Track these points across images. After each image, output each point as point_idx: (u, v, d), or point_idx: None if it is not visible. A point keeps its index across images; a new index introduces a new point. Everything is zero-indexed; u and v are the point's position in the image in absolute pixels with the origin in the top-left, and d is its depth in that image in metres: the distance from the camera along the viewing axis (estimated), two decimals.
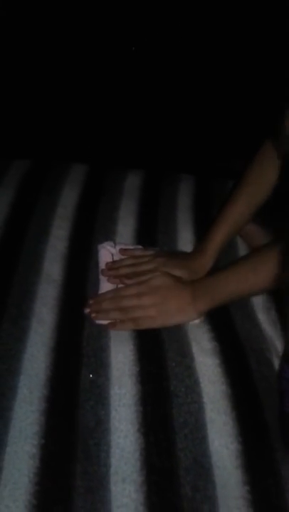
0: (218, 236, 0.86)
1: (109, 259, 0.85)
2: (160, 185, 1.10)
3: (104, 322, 0.75)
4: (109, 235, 0.92)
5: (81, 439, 0.60)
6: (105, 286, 0.81)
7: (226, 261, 0.90)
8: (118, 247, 0.87)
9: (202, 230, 0.97)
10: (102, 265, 0.85)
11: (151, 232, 0.94)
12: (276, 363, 0.74)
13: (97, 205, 1.00)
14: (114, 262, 0.84)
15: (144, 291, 0.77)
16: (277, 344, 0.78)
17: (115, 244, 0.88)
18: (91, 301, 0.77)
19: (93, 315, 0.75)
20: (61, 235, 0.90)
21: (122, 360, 0.70)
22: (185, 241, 0.94)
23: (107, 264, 0.84)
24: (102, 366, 0.69)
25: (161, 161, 1.31)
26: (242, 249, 0.94)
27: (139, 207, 1.01)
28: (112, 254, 0.87)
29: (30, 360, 0.67)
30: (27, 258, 0.84)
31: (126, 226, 0.95)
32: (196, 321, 0.77)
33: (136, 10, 1.43)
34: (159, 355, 0.72)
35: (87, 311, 0.76)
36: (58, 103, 1.50)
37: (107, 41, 1.48)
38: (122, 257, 0.86)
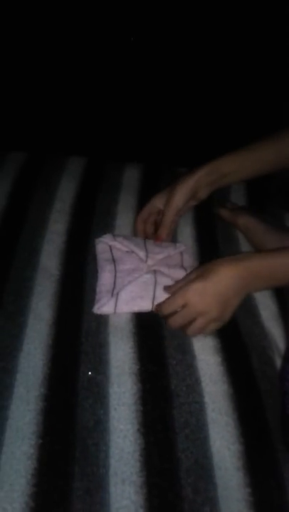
0: (232, 155, 0.86)
1: (108, 254, 0.84)
2: (159, 178, 1.08)
3: None
4: (108, 229, 0.90)
5: (79, 439, 0.59)
6: (104, 277, 0.79)
7: (229, 255, 0.89)
8: (117, 240, 0.85)
9: (202, 223, 0.96)
10: (100, 259, 0.83)
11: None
12: (278, 361, 0.73)
13: (95, 199, 0.98)
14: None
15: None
16: (279, 342, 0.76)
17: (114, 237, 0.86)
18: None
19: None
20: (59, 229, 0.88)
21: (121, 358, 0.68)
22: (185, 235, 0.93)
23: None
24: (100, 363, 0.67)
25: (160, 154, 1.29)
26: (243, 245, 0.93)
27: (138, 201, 0.99)
28: (110, 248, 0.85)
29: (27, 358, 0.65)
30: (24, 252, 0.82)
31: (124, 220, 0.93)
32: None
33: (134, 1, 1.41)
34: (159, 352, 0.70)
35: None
36: (55, 95, 1.48)
37: (104, 32, 1.46)
38: (121, 249, 0.85)
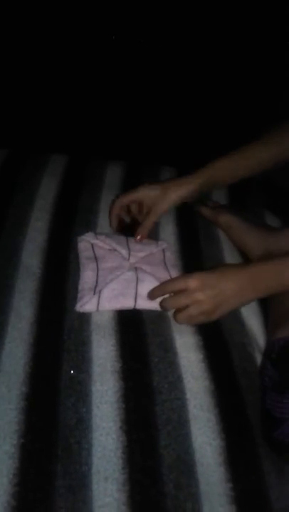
0: (226, 157, 0.87)
1: (90, 252, 0.84)
2: (141, 176, 1.08)
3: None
4: (90, 227, 0.90)
5: (62, 437, 0.59)
6: (86, 275, 0.79)
7: (210, 253, 0.90)
8: (99, 239, 0.85)
9: (183, 221, 0.96)
10: (82, 257, 0.83)
11: (132, 223, 0.92)
12: (258, 358, 0.74)
13: (77, 197, 0.97)
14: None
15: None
16: (259, 339, 0.77)
17: (96, 235, 0.86)
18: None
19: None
20: (40, 227, 0.88)
21: (103, 356, 0.68)
22: (167, 233, 0.93)
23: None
24: (83, 361, 0.67)
25: (142, 152, 1.29)
26: (224, 243, 0.93)
27: None
28: (92, 246, 0.85)
29: (8, 357, 0.65)
30: (5, 251, 0.82)
31: (106, 218, 0.93)
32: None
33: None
34: (141, 350, 0.70)
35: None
36: (37, 94, 1.47)
37: (90, 33, 1.46)
38: (103, 247, 0.85)
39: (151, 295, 0.75)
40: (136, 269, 0.80)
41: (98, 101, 1.48)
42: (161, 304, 0.74)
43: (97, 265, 0.81)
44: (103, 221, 0.93)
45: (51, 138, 1.29)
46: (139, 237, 0.86)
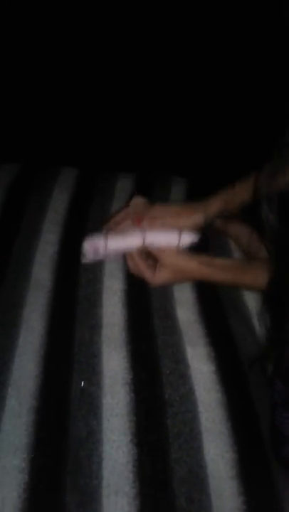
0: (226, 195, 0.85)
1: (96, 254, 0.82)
2: (151, 188, 1.08)
3: None
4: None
5: (72, 450, 0.58)
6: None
7: None
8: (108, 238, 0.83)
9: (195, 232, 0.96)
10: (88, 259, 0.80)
11: None
12: (270, 370, 0.73)
13: (88, 209, 0.98)
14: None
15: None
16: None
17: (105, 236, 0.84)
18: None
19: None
20: (51, 240, 0.88)
21: (114, 368, 0.68)
22: None
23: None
24: (93, 373, 0.67)
25: (152, 163, 1.29)
26: (235, 252, 0.93)
27: None
28: (98, 248, 0.83)
29: (19, 370, 0.65)
30: (16, 263, 0.82)
31: None
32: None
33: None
34: (152, 361, 0.70)
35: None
36: (47, 108, 1.48)
37: (95, 43, 1.47)
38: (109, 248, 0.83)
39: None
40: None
41: (108, 114, 1.49)
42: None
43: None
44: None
45: (62, 151, 1.30)
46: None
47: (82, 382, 0.66)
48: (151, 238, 0.75)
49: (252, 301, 0.83)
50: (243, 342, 0.76)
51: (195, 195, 1.07)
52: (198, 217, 0.84)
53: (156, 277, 0.75)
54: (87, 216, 0.96)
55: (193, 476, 0.58)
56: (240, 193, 0.85)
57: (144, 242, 0.74)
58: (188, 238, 0.79)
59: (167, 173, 1.16)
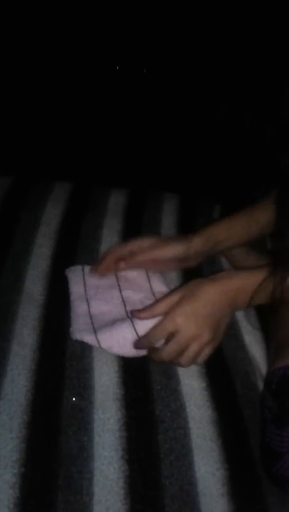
0: (226, 222, 0.83)
1: (81, 286, 0.82)
2: (144, 203, 1.09)
3: None
4: (93, 254, 0.91)
5: (63, 466, 0.58)
6: (79, 310, 0.77)
7: None
8: (86, 270, 0.84)
9: None
10: (73, 292, 0.81)
11: None
12: (261, 386, 0.74)
13: (81, 224, 0.98)
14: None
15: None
16: (262, 367, 0.77)
17: (82, 268, 0.85)
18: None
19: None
20: (44, 254, 0.89)
21: (106, 383, 0.68)
22: None
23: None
24: (85, 389, 0.67)
25: (145, 179, 1.30)
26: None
27: (123, 225, 1.00)
28: (84, 278, 0.83)
29: (10, 385, 0.65)
30: (8, 277, 0.82)
31: (109, 245, 0.94)
32: None
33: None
34: (143, 377, 0.70)
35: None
36: (41, 122, 1.49)
37: (94, 63, 1.49)
38: (91, 279, 0.83)
39: (139, 344, 0.69)
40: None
41: (102, 129, 1.51)
42: (159, 356, 0.68)
43: (88, 306, 0.79)
44: (106, 248, 0.93)
45: (56, 165, 1.31)
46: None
47: (74, 398, 0.66)
48: (143, 328, 0.69)
49: (241, 317, 0.83)
50: (233, 358, 0.76)
51: (187, 211, 1.09)
52: (178, 249, 0.81)
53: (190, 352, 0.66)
54: (80, 231, 0.97)
55: (184, 493, 0.58)
56: (236, 227, 0.84)
57: (137, 334, 0.69)
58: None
59: (160, 189, 1.18)
